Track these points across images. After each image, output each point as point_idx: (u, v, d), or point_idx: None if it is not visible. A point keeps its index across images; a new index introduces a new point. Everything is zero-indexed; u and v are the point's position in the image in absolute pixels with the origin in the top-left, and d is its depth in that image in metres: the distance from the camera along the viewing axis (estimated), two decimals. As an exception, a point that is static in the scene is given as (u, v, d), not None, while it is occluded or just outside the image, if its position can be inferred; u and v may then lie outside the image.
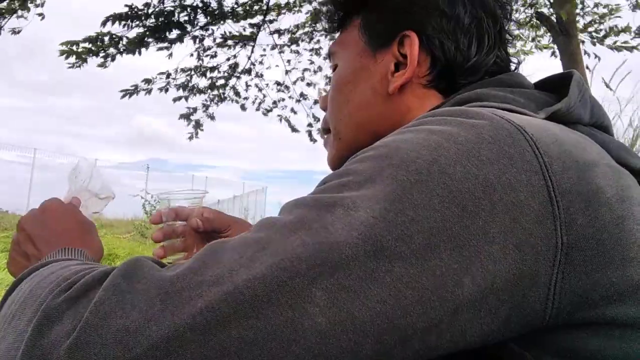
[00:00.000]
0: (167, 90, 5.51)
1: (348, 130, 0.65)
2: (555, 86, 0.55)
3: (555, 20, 4.07)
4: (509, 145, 0.40)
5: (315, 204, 0.39)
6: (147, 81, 5.27)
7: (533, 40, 5.78)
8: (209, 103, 5.94)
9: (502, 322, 0.38)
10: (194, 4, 5.08)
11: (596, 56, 4.75)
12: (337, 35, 0.70)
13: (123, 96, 5.07)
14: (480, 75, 0.59)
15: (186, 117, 5.78)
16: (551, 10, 4.39)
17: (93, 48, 4.82)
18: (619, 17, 4.84)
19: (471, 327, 0.37)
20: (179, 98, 5.63)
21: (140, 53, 4.88)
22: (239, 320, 0.34)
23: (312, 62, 6.39)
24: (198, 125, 5.83)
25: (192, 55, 5.67)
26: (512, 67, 0.63)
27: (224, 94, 6.08)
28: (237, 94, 6.22)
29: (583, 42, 4.74)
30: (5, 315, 0.44)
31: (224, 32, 5.65)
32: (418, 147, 0.40)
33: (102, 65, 4.93)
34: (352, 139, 0.64)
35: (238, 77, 6.12)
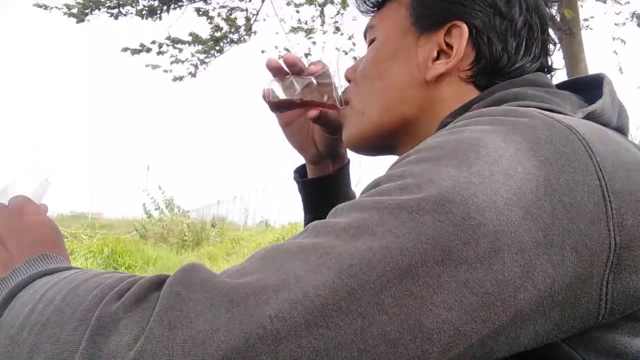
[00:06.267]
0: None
1: (375, 107, 0.63)
2: (579, 88, 0.55)
3: (559, 19, 4.08)
4: (564, 145, 0.39)
5: (375, 206, 0.38)
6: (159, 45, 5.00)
7: None
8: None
9: (555, 325, 0.38)
10: None
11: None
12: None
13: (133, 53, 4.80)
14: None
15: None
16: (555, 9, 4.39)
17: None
18: None
19: (526, 331, 0.37)
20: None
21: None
22: (309, 330, 0.33)
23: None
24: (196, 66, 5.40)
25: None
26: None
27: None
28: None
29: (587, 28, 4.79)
30: (25, 322, 0.41)
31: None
32: (475, 148, 0.39)
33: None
34: (376, 117, 0.62)
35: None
